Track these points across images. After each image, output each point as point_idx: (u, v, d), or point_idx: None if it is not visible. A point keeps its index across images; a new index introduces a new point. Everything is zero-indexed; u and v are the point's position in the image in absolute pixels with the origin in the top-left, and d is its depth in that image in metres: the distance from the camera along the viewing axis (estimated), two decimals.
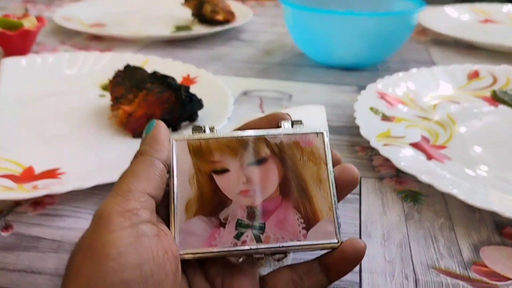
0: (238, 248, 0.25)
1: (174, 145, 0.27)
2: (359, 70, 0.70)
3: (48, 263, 0.31)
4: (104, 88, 0.58)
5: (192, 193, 0.26)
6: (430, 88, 0.59)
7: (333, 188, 0.26)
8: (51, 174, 0.40)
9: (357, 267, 0.31)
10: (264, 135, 0.27)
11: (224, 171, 0.26)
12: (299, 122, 0.28)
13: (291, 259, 0.31)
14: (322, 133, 0.27)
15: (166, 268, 0.22)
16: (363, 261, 0.32)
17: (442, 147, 0.47)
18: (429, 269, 0.31)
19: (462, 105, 0.56)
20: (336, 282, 0.26)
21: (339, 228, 0.26)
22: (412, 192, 0.40)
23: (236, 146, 0.27)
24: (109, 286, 0.20)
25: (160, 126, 0.27)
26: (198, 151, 0.26)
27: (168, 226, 0.25)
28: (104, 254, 0.21)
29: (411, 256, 0.33)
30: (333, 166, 0.27)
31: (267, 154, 0.27)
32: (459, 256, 0.33)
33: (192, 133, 0.27)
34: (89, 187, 0.36)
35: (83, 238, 0.22)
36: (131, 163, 0.26)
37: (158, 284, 0.22)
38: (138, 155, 0.26)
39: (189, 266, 0.26)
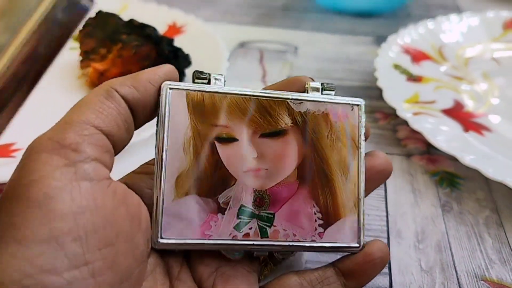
0: (238, 242, 0.20)
1: (168, 94, 0.20)
2: (376, 17, 0.60)
3: None
4: (76, 39, 0.49)
5: (186, 164, 0.20)
6: (460, 40, 0.50)
7: (362, 180, 0.21)
8: (3, 151, 0.32)
9: (387, 281, 0.25)
10: (287, 99, 0.21)
11: (231, 139, 0.20)
12: (332, 86, 0.22)
13: (305, 260, 0.25)
14: (359, 105, 0.22)
15: (117, 224, 0.17)
16: (394, 272, 0.25)
17: (479, 115, 0.39)
18: (478, 282, 0.25)
19: (498, 61, 0.48)
20: None
21: (363, 230, 0.21)
22: (448, 174, 0.33)
23: (249, 108, 0.20)
24: (34, 240, 0.15)
25: (164, 66, 0.20)
26: (200, 108, 0.20)
27: (150, 211, 0.19)
28: (28, 198, 0.16)
29: (454, 264, 0.26)
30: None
31: (287, 125, 0.21)
32: None
33: (193, 81, 0.21)
34: None
35: (8, 182, 0.17)
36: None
37: (105, 243, 0.16)
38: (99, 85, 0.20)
39: (173, 259, 0.20)
